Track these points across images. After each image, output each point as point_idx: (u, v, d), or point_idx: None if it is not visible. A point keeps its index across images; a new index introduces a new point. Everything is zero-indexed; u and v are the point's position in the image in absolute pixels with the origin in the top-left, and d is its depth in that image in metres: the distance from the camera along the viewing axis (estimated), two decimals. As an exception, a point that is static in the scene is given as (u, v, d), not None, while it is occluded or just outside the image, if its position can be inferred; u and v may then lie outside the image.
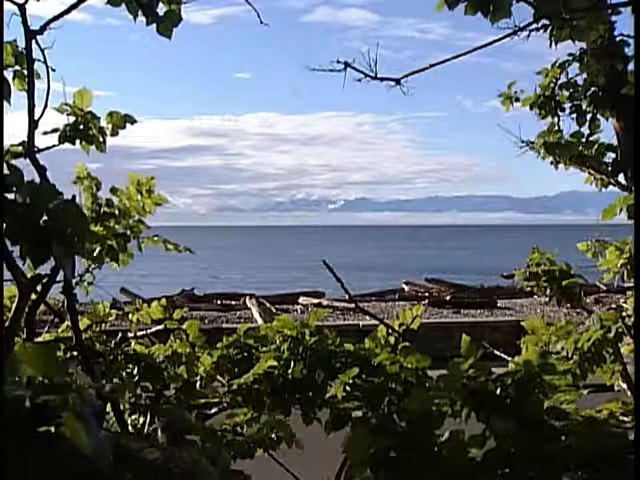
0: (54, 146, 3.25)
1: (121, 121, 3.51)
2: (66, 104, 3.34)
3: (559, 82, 4.91)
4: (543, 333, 3.59)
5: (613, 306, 4.30)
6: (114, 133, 3.51)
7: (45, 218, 1.66)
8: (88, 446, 1.15)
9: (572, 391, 2.49)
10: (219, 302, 19.65)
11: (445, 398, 2.26)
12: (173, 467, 1.35)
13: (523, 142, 5.00)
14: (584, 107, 4.78)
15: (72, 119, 3.38)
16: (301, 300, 19.93)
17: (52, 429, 1.19)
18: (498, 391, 2.25)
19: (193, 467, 1.37)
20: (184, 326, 3.43)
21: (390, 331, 3.35)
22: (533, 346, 3.50)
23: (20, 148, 2.78)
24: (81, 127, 3.38)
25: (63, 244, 1.67)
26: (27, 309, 2.18)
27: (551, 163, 4.96)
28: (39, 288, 2.19)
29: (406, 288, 23.57)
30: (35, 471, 1.18)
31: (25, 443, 1.17)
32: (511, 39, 3.31)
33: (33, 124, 2.62)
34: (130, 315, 3.64)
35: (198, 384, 3.30)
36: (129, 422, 3.06)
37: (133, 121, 3.55)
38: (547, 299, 4.31)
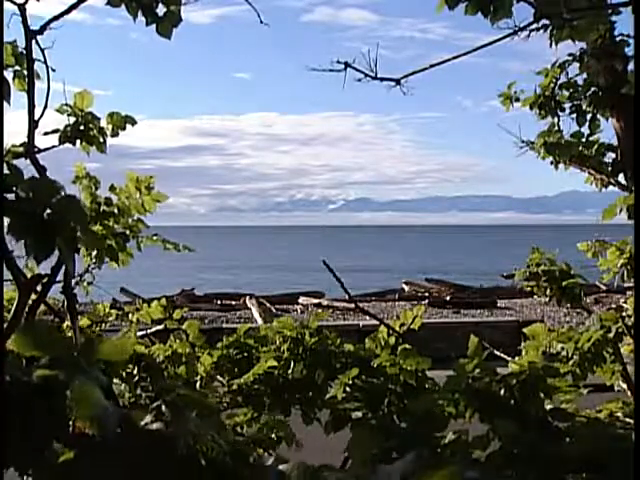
0: (54, 147, 3.25)
1: (121, 122, 3.51)
2: (66, 104, 3.34)
3: (559, 82, 4.91)
4: (544, 338, 3.58)
5: (613, 306, 4.29)
6: (114, 134, 3.51)
7: (48, 211, 1.67)
8: (94, 415, 1.17)
9: (572, 391, 2.49)
10: (219, 302, 19.67)
11: (449, 399, 2.26)
12: (179, 437, 1.35)
13: (523, 142, 5.00)
14: (584, 107, 4.78)
15: (72, 120, 3.38)
16: (301, 300, 19.95)
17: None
18: (502, 392, 2.25)
19: (198, 438, 1.37)
20: (184, 326, 3.43)
21: (390, 331, 3.35)
22: (534, 351, 3.50)
23: (21, 148, 2.77)
24: (81, 128, 3.38)
25: (66, 238, 1.68)
26: (27, 309, 2.18)
27: (551, 163, 4.96)
28: (39, 288, 2.19)
29: (406, 288, 23.61)
30: (43, 447, 1.19)
31: (32, 419, 1.18)
32: (511, 39, 3.31)
33: (33, 124, 2.62)
34: (130, 315, 3.65)
35: (198, 384, 3.30)
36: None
37: (133, 122, 3.55)
38: (547, 299, 4.31)
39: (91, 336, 3.34)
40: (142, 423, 1.32)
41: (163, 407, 1.43)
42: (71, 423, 1.22)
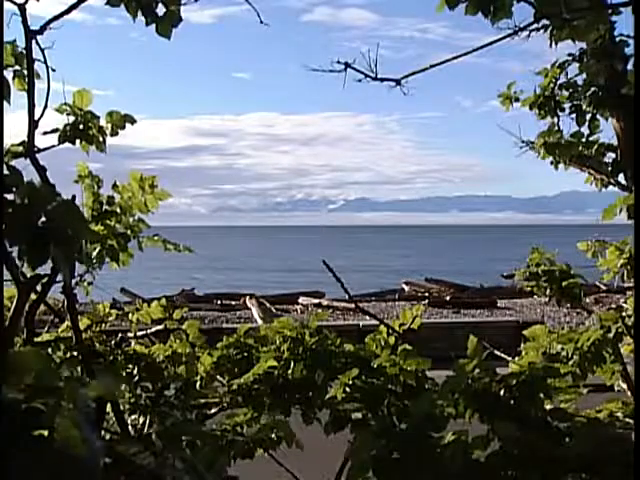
0: (54, 146, 3.25)
1: (121, 121, 3.51)
2: (66, 104, 3.34)
3: (559, 82, 4.91)
4: (544, 340, 3.58)
5: (613, 306, 4.29)
6: (114, 133, 3.50)
7: (44, 219, 1.65)
8: (81, 450, 1.15)
9: (572, 392, 2.49)
10: (219, 302, 19.67)
11: (449, 400, 2.25)
12: (166, 473, 1.35)
13: (523, 142, 5.00)
14: (584, 107, 4.78)
15: (72, 119, 3.37)
16: (301, 300, 19.95)
17: (45, 433, 1.19)
18: (502, 392, 2.25)
19: (186, 474, 1.37)
20: (184, 326, 3.43)
21: (390, 331, 3.35)
22: (534, 352, 3.50)
23: (20, 148, 2.77)
24: (81, 127, 3.38)
25: (62, 246, 1.66)
26: (27, 309, 2.18)
27: (551, 163, 4.96)
28: (39, 288, 2.19)
29: (406, 288, 23.61)
30: (29, 475, 1.18)
31: (19, 447, 1.17)
32: (511, 39, 3.31)
33: (33, 124, 2.62)
34: (130, 315, 3.64)
35: (198, 384, 3.30)
36: (129, 422, 3.05)
37: (133, 121, 3.54)
38: (547, 299, 4.31)
39: (91, 342, 3.33)
40: (130, 453, 1.31)
41: (154, 436, 1.42)
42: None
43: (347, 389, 2.95)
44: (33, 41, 2.68)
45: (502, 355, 3.78)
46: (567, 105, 4.89)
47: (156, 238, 3.81)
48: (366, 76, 3.41)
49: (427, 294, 21.70)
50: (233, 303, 19.35)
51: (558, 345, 3.55)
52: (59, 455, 1.17)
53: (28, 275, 2.05)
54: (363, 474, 2.12)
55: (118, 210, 3.62)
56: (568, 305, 4.40)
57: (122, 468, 1.30)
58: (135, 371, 3.22)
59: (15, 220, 1.62)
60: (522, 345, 3.63)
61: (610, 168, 4.80)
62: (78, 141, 3.40)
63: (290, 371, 3.17)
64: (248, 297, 19.10)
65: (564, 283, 4.19)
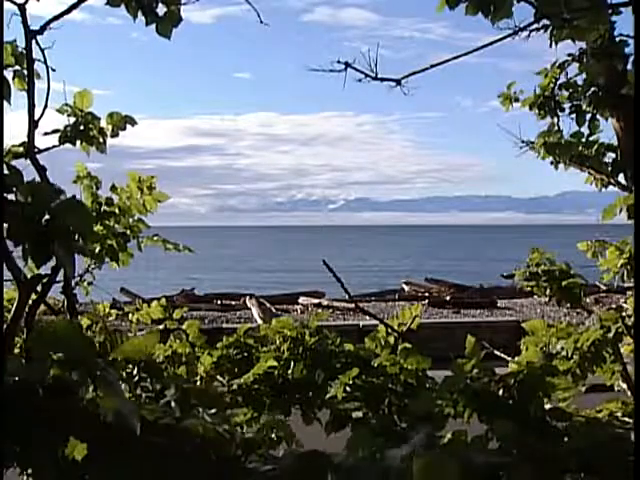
0: (54, 147, 3.25)
1: (121, 122, 3.51)
2: (67, 104, 3.34)
3: (559, 82, 4.91)
4: (543, 334, 3.58)
5: (613, 306, 4.29)
6: (114, 134, 3.51)
7: (47, 217, 1.66)
8: (118, 410, 1.19)
9: (571, 388, 2.49)
10: (219, 302, 19.67)
11: (448, 399, 2.26)
12: (190, 430, 1.36)
13: (523, 142, 5.00)
14: (584, 107, 4.78)
15: (72, 120, 3.38)
16: (301, 300, 19.95)
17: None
18: (500, 392, 2.25)
19: (207, 431, 1.39)
20: (184, 326, 3.44)
21: (390, 331, 3.36)
22: (533, 347, 3.51)
23: (21, 148, 2.77)
24: (81, 128, 3.38)
25: (65, 242, 1.67)
26: (27, 309, 2.18)
27: (551, 163, 4.96)
28: (39, 288, 2.19)
29: (406, 288, 23.61)
30: (58, 444, 1.20)
31: (57, 413, 1.20)
32: (511, 39, 3.31)
33: (33, 124, 2.62)
34: (130, 315, 3.65)
35: (198, 384, 3.30)
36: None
37: (133, 122, 3.55)
38: (547, 299, 4.31)
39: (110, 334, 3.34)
40: (152, 418, 1.34)
41: (172, 403, 1.44)
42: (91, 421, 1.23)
43: (347, 388, 2.96)
44: (33, 41, 2.68)
45: (502, 355, 3.78)
46: (567, 105, 4.89)
47: (156, 238, 3.82)
48: (366, 76, 3.41)
49: (427, 294, 21.71)
50: (233, 303, 19.36)
51: (558, 344, 3.55)
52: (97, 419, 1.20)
53: (28, 275, 2.05)
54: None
55: (117, 211, 3.63)
56: (568, 305, 4.40)
57: (148, 430, 1.32)
58: (135, 371, 3.22)
59: (19, 218, 1.63)
60: (522, 339, 3.64)
61: (610, 168, 4.80)
62: (78, 142, 3.41)
63: (290, 371, 3.17)
64: (248, 297, 19.11)
65: (564, 283, 4.19)
